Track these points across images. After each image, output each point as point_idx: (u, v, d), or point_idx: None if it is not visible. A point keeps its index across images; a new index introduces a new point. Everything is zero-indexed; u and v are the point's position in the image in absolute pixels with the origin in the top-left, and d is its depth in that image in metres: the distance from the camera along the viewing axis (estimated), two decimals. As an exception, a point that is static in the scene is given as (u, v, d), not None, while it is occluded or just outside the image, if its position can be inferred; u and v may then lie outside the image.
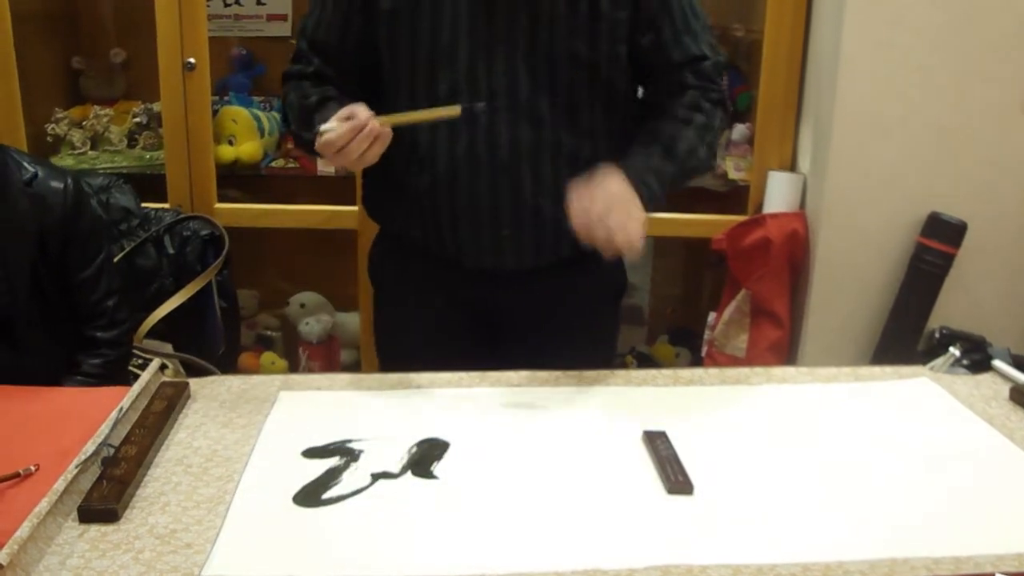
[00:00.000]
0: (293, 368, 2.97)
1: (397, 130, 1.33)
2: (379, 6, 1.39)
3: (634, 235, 1.24)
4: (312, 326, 2.91)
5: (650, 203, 1.32)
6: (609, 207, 1.25)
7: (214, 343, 2.37)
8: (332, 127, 1.26)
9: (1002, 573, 0.96)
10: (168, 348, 2.24)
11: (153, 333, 2.20)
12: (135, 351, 1.95)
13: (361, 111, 1.26)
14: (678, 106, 1.43)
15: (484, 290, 1.50)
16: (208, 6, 2.52)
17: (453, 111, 1.29)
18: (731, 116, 1.53)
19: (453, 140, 1.39)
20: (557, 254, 1.46)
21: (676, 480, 1.11)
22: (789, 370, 1.46)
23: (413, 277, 1.56)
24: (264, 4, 2.90)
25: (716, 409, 1.32)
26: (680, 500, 1.09)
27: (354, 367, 2.97)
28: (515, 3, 1.35)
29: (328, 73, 1.46)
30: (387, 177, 1.46)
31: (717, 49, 1.48)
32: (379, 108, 1.39)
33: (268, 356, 2.98)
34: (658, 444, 1.19)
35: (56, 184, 1.73)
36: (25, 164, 1.73)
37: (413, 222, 1.48)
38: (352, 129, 1.25)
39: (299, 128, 1.44)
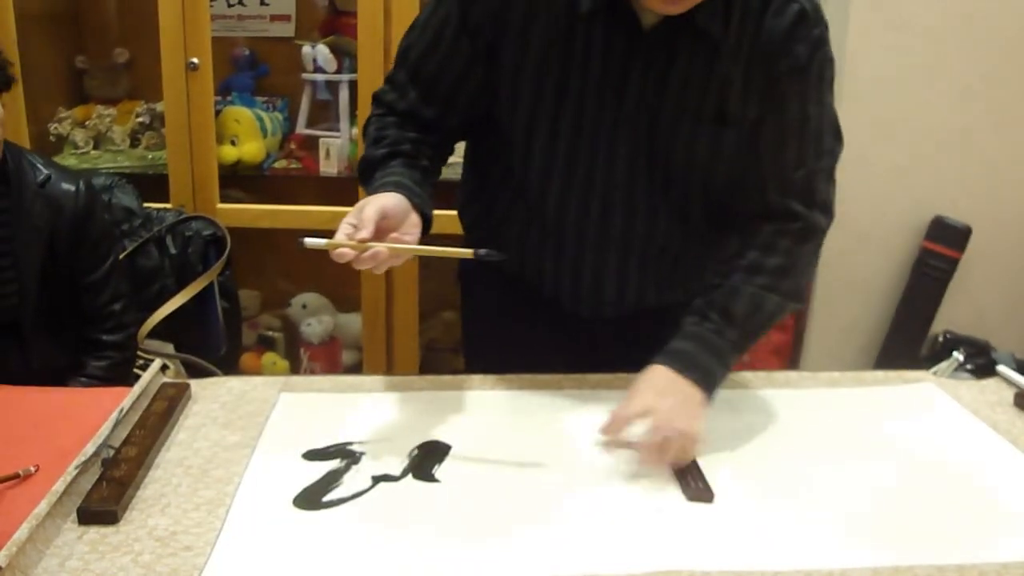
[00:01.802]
0: (295, 369, 2.97)
1: (522, 185, 1.31)
2: (500, 63, 1.28)
3: (690, 450, 1.16)
4: (314, 327, 2.91)
5: (715, 390, 1.23)
6: (665, 432, 1.15)
7: (216, 343, 2.37)
8: (318, 243, 1.13)
9: (1007, 581, 0.96)
10: (169, 348, 2.24)
11: (154, 333, 2.20)
12: (138, 352, 1.96)
13: (370, 224, 1.12)
14: (748, 248, 1.28)
15: (578, 325, 1.45)
16: (212, 6, 2.52)
17: (466, 253, 1.17)
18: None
19: (579, 217, 1.34)
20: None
21: (696, 487, 1.11)
22: (792, 375, 1.45)
23: (503, 290, 1.48)
24: (268, 4, 2.90)
25: (723, 415, 1.31)
26: (698, 508, 1.09)
27: (356, 368, 2.96)
28: (643, 96, 1.25)
29: (423, 114, 1.32)
30: (491, 212, 1.42)
31: (830, 194, 1.31)
32: (474, 174, 1.40)
33: (270, 356, 2.98)
34: None
35: (68, 186, 1.74)
36: (39, 166, 1.74)
37: (512, 257, 1.39)
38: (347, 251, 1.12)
39: (361, 173, 1.33)
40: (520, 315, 1.45)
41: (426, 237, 1.22)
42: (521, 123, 1.30)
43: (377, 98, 1.36)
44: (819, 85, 1.26)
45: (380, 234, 1.13)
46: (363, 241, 1.11)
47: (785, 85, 1.24)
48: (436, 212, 1.26)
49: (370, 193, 1.21)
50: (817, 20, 1.24)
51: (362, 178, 1.30)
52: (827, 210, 1.31)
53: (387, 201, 1.17)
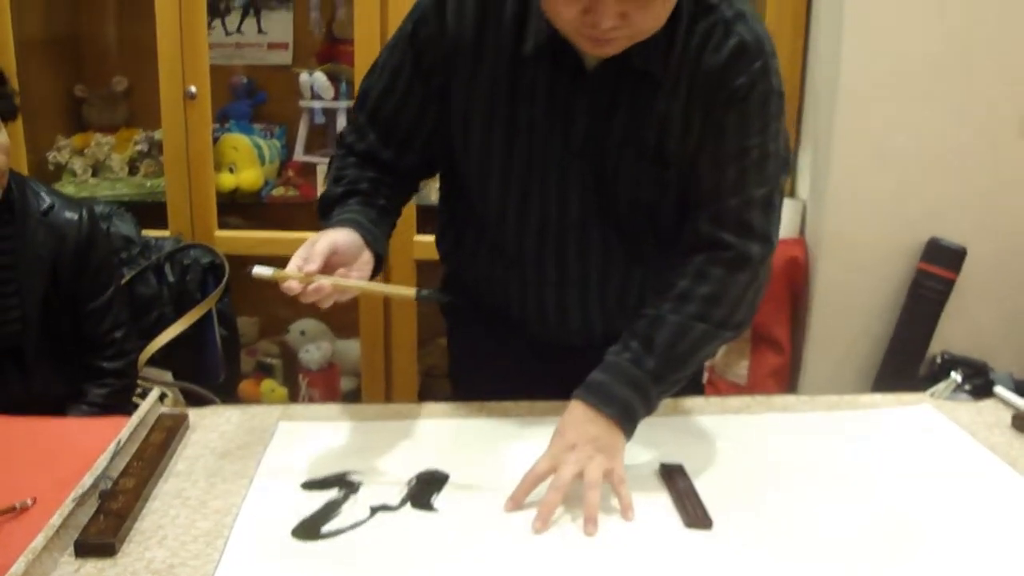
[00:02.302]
0: (293, 395, 2.97)
1: (482, 221, 1.34)
2: (451, 105, 1.30)
3: (616, 480, 1.14)
4: (312, 353, 2.91)
5: (635, 423, 1.21)
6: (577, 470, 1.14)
7: (214, 371, 2.37)
8: (265, 272, 1.15)
9: (1005, 607, 0.96)
10: (168, 376, 2.24)
11: (153, 361, 2.20)
12: (136, 380, 1.96)
13: (318, 259, 1.14)
14: (680, 277, 1.26)
15: (561, 351, 1.44)
16: (210, 35, 2.54)
17: (408, 293, 1.21)
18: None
19: (537, 252, 1.36)
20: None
21: (695, 514, 1.11)
22: (790, 399, 1.46)
23: (486, 320, 1.48)
24: (265, 33, 2.93)
25: (723, 440, 1.31)
26: (696, 534, 1.09)
27: (354, 394, 2.96)
28: (589, 135, 1.26)
29: (382, 155, 1.34)
30: (460, 245, 1.45)
31: (767, 223, 1.28)
32: (446, 207, 1.42)
33: (268, 383, 2.98)
34: (676, 478, 1.18)
35: (71, 215, 1.75)
36: (42, 194, 1.75)
37: (482, 290, 1.44)
38: (294, 284, 1.14)
39: (320, 210, 1.34)
40: (504, 343, 1.46)
41: (382, 274, 1.25)
42: (475, 163, 1.33)
43: (340, 139, 1.40)
44: (761, 115, 1.24)
45: (329, 269, 1.15)
46: (309, 274, 1.13)
47: (723, 116, 1.23)
48: (423, 238, 1.27)
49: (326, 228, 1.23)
50: (759, 52, 1.22)
51: (321, 215, 1.32)
52: (764, 239, 1.28)
53: (339, 237, 1.19)
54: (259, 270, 1.15)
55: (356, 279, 1.18)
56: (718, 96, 1.22)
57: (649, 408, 1.22)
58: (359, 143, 1.35)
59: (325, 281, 1.13)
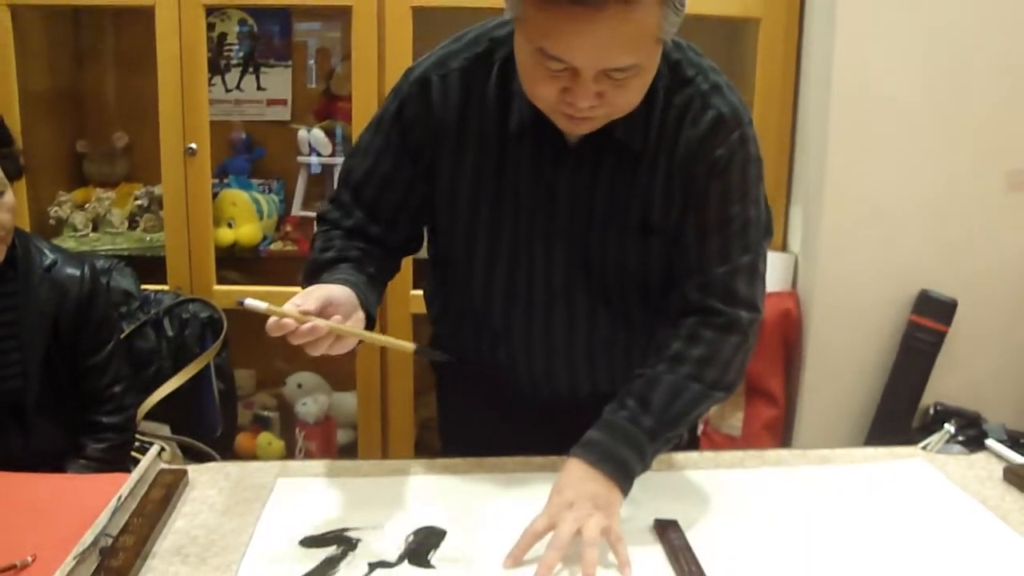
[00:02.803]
0: (290, 448, 2.96)
1: (469, 291, 1.36)
2: (437, 182, 1.33)
3: (614, 538, 1.15)
4: (309, 406, 2.92)
5: (631, 480, 1.22)
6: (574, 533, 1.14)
7: (212, 425, 2.37)
8: (258, 306, 1.14)
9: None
10: (166, 430, 2.24)
11: (151, 415, 2.21)
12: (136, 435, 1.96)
13: (314, 303, 1.15)
14: (673, 337, 1.29)
15: (550, 408, 1.46)
16: (210, 91, 2.58)
17: (407, 347, 1.23)
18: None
19: (523, 323, 1.38)
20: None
21: (689, 571, 1.11)
22: (783, 452, 1.47)
23: (475, 377, 1.49)
24: (264, 89, 2.97)
25: (717, 495, 1.32)
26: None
27: (351, 447, 2.96)
28: (573, 208, 1.30)
29: (370, 231, 1.35)
30: (448, 309, 1.48)
31: (753, 290, 1.31)
32: (434, 273, 1.45)
33: (265, 436, 2.98)
34: (670, 534, 1.19)
35: (73, 271, 1.77)
36: (45, 251, 1.77)
37: (470, 353, 1.45)
38: (288, 321, 1.12)
39: (305, 277, 1.33)
40: (492, 400, 1.47)
41: (377, 329, 1.25)
42: (461, 238, 1.35)
43: (322, 217, 1.40)
44: (741, 184, 1.28)
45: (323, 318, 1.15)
46: (305, 312, 1.12)
47: (705, 187, 1.27)
48: (418, 293, 1.29)
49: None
50: (736, 122, 1.26)
51: (306, 280, 1.30)
52: (751, 306, 1.31)
53: (335, 290, 1.20)
54: (251, 303, 1.13)
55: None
56: (698, 168, 1.26)
57: (645, 466, 1.24)
58: (345, 220, 1.36)
59: (321, 323, 1.12)
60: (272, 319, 1.12)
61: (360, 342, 1.18)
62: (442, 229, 1.38)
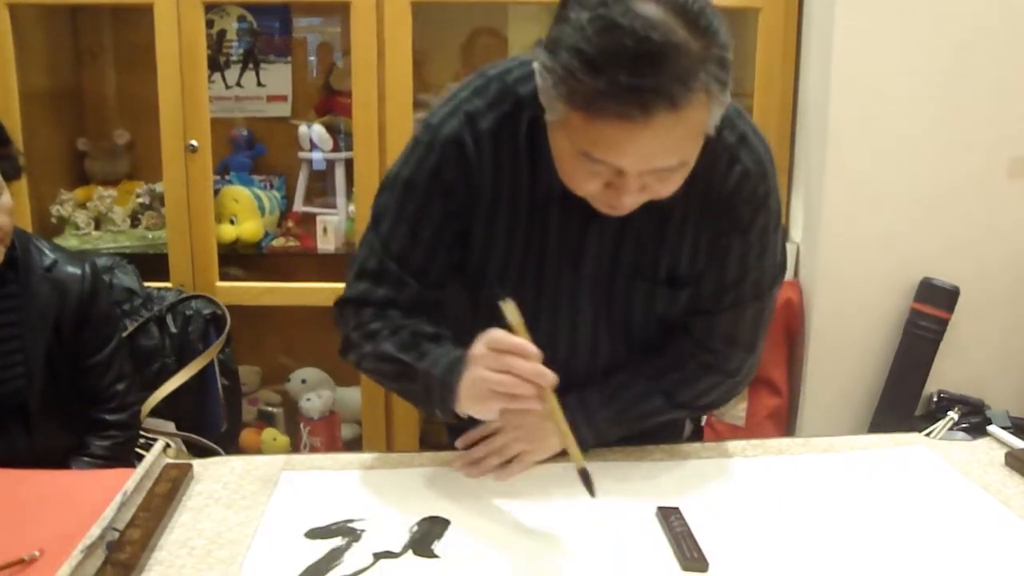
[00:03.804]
0: (294, 444, 2.97)
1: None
2: (470, 241, 1.31)
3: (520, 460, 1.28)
4: (313, 401, 2.92)
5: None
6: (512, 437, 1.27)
7: (216, 421, 2.38)
8: (513, 313, 1.13)
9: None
10: (170, 427, 2.25)
11: (155, 412, 2.22)
12: (140, 432, 1.97)
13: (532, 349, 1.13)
14: (662, 353, 1.37)
15: None
16: (210, 88, 2.58)
17: (578, 460, 1.15)
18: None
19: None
20: None
21: (691, 556, 1.12)
22: (785, 442, 1.47)
23: None
24: (264, 86, 2.97)
25: (719, 482, 1.33)
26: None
27: (355, 442, 2.97)
28: (599, 265, 1.31)
29: (425, 299, 1.32)
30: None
31: (755, 335, 1.38)
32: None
33: (270, 432, 2.99)
34: (672, 520, 1.20)
35: (74, 270, 1.77)
36: (45, 250, 1.78)
37: None
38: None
39: (401, 350, 1.27)
40: None
41: None
42: (487, 293, 1.33)
43: (364, 299, 1.32)
44: (761, 239, 1.31)
45: None
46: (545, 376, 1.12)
47: (727, 243, 1.30)
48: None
49: (432, 362, 1.24)
50: (762, 176, 1.27)
51: (398, 361, 1.27)
52: (750, 349, 1.38)
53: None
54: (511, 309, 1.13)
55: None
56: (722, 223, 1.28)
57: (588, 442, 1.31)
58: (399, 293, 1.31)
59: (551, 399, 1.13)
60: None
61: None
62: (468, 282, 1.36)
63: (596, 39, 1.02)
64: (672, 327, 1.37)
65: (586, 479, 1.12)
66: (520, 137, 1.25)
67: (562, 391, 1.20)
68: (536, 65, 1.11)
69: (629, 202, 1.14)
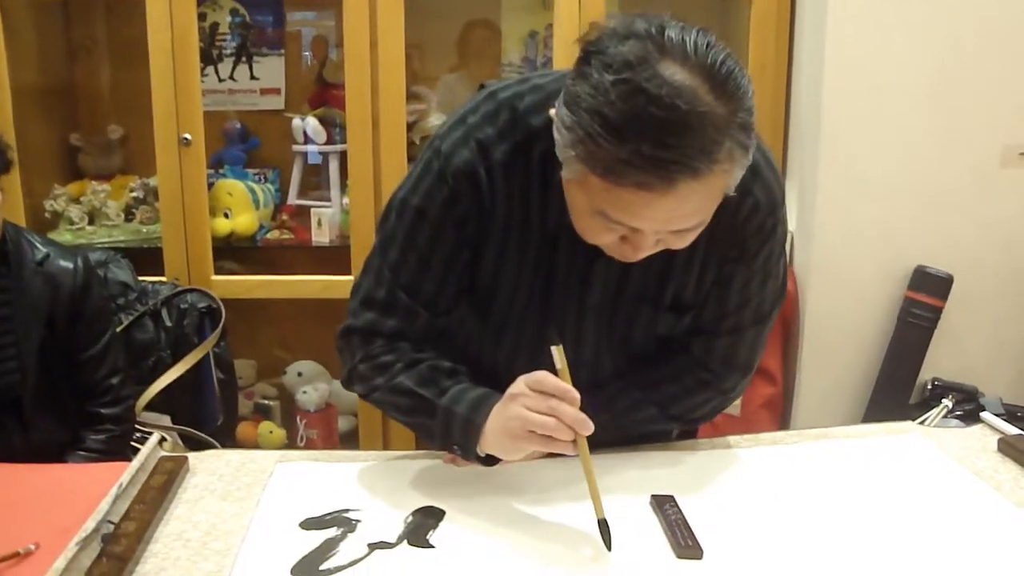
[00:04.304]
0: (291, 437, 2.98)
1: (492, 360, 1.34)
2: (479, 268, 1.29)
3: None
4: (310, 394, 2.93)
5: None
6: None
7: (212, 414, 2.39)
8: (560, 359, 1.14)
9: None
10: (166, 420, 2.26)
11: (151, 406, 2.22)
12: (135, 425, 1.97)
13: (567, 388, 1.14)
14: (659, 365, 1.37)
15: None
16: (203, 81, 2.58)
17: (598, 511, 1.14)
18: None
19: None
20: None
21: (686, 544, 1.12)
22: (778, 434, 1.47)
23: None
24: (258, 79, 2.97)
25: (714, 472, 1.33)
26: (687, 565, 1.10)
27: (352, 434, 2.97)
28: (604, 292, 1.30)
29: (438, 325, 1.30)
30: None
31: (752, 356, 1.38)
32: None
33: (266, 425, 2.99)
34: (667, 508, 1.20)
35: (66, 264, 1.77)
36: (37, 244, 1.77)
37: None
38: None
39: (420, 383, 1.26)
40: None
41: None
42: (493, 322, 1.33)
43: (372, 330, 1.29)
44: (764, 268, 1.31)
45: None
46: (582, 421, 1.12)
47: (732, 272, 1.30)
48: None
49: (453, 399, 1.23)
50: (771, 208, 1.26)
51: (415, 396, 1.26)
52: (746, 369, 1.38)
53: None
54: (558, 354, 1.15)
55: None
56: (730, 253, 1.28)
57: None
58: (410, 325, 1.29)
59: (584, 447, 1.13)
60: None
61: None
62: (473, 310, 1.34)
63: (620, 104, 0.98)
64: (672, 340, 1.37)
65: (605, 531, 1.11)
66: (532, 170, 1.23)
67: None
68: (554, 118, 1.09)
69: (644, 255, 1.14)
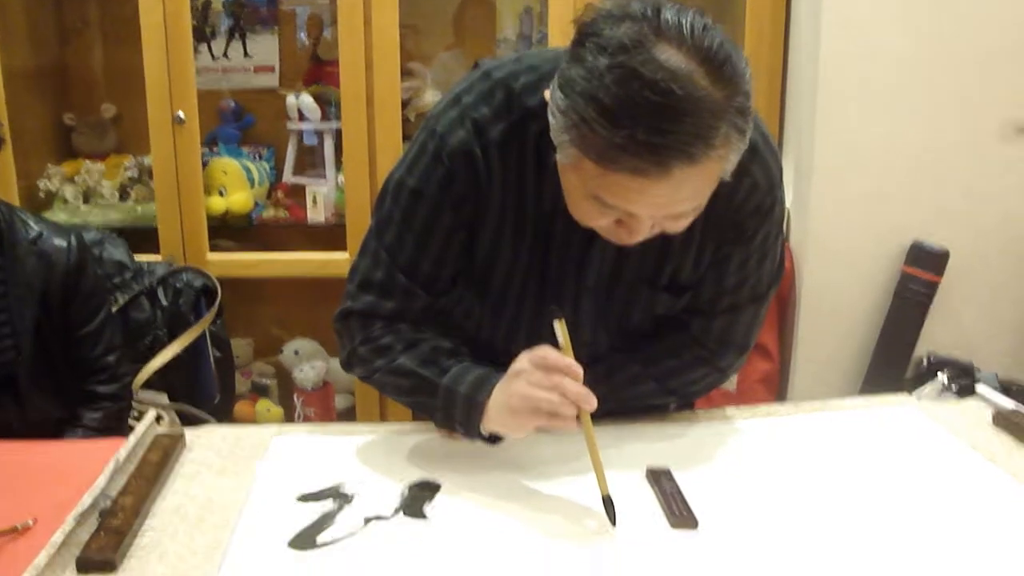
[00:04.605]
0: (288, 415, 2.98)
1: (490, 339, 1.34)
2: (475, 249, 1.29)
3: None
4: (307, 373, 2.93)
5: None
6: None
7: (209, 393, 2.38)
8: (562, 333, 1.14)
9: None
10: (163, 399, 2.25)
11: (148, 384, 2.22)
12: (132, 403, 1.97)
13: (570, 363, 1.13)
14: (658, 339, 1.37)
15: None
16: (196, 60, 2.57)
17: (602, 487, 1.13)
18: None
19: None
20: None
21: (680, 515, 1.13)
22: (774, 406, 1.48)
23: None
24: (251, 56, 2.95)
25: (709, 444, 1.34)
26: (682, 534, 1.11)
27: (349, 412, 2.98)
28: (600, 275, 1.30)
29: (436, 306, 1.30)
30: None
31: (749, 335, 1.39)
32: None
33: (263, 404, 3.00)
34: (662, 480, 1.21)
35: (60, 242, 1.77)
36: (30, 223, 1.77)
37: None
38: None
39: (422, 364, 1.26)
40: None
41: None
42: (490, 302, 1.33)
43: (371, 312, 1.29)
44: (762, 248, 1.31)
45: None
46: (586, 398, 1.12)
47: (729, 252, 1.30)
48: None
49: (454, 379, 1.23)
50: (769, 188, 1.26)
51: (416, 376, 1.26)
52: (742, 348, 1.39)
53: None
54: (560, 329, 1.14)
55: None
56: (727, 234, 1.28)
57: None
58: (408, 307, 1.28)
59: (588, 423, 1.13)
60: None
61: None
62: (471, 290, 1.34)
63: (615, 89, 0.98)
64: (670, 317, 1.37)
65: (609, 507, 1.11)
66: (527, 150, 1.22)
67: None
68: (548, 102, 1.08)
69: (639, 238, 1.13)
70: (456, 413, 1.23)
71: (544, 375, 1.13)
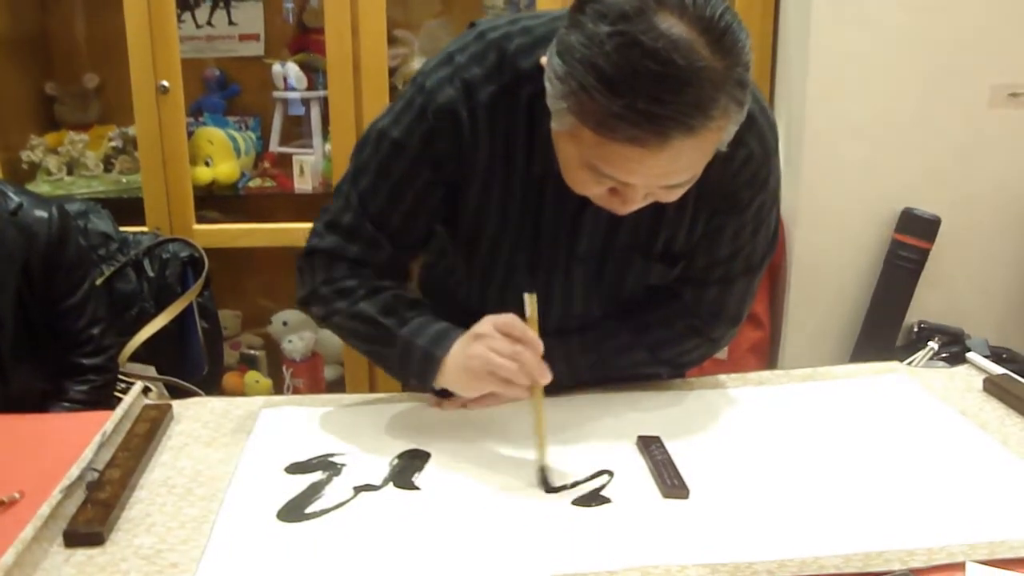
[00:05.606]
0: (277, 386, 2.98)
1: (480, 307, 1.30)
2: (461, 211, 1.28)
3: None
4: (295, 343, 2.92)
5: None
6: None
7: (197, 364, 2.38)
8: (530, 305, 1.14)
9: (974, 561, 0.98)
10: (151, 371, 2.24)
11: (135, 356, 2.21)
12: (120, 376, 1.96)
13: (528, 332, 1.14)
14: (651, 307, 1.36)
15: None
16: (180, 28, 2.54)
17: (543, 458, 1.16)
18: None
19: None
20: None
21: (672, 484, 1.13)
22: (764, 374, 1.47)
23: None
24: (236, 25, 2.92)
25: (700, 412, 1.34)
26: (674, 503, 1.11)
27: (338, 383, 2.97)
28: (593, 240, 1.29)
29: (397, 262, 1.30)
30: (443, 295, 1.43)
31: (741, 307, 1.39)
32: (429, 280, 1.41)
33: (252, 375, 2.99)
34: (653, 448, 1.20)
35: (41, 213, 1.74)
36: (10, 194, 1.74)
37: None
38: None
39: (382, 314, 1.25)
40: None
41: None
42: (478, 267, 1.33)
43: (335, 252, 1.28)
44: (756, 218, 1.30)
45: None
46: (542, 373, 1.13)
47: (723, 222, 1.29)
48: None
49: (414, 331, 1.23)
50: (765, 159, 1.25)
51: (376, 323, 1.25)
52: (734, 320, 1.39)
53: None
54: (531, 303, 1.15)
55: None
56: (722, 204, 1.27)
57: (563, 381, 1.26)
58: (373, 254, 1.28)
59: (539, 395, 1.14)
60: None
61: None
62: (460, 252, 1.34)
63: (615, 57, 0.96)
64: (663, 287, 1.37)
65: (544, 475, 1.13)
66: (519, 113, 1.20)
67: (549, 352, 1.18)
68: (545, 67, 1.06)
69: (633, 208, 1.12)
70: (412, 365, 1.23)
71: (506, 342, 1.13)
